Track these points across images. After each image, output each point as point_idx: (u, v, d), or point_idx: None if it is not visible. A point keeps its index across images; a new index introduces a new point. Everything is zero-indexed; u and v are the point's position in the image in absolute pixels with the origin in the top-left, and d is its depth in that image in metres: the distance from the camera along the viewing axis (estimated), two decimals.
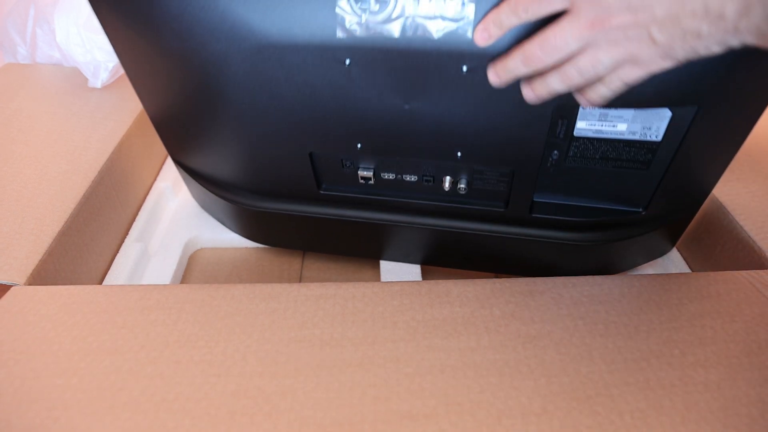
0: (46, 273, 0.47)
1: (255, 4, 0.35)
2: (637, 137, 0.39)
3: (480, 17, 0.33)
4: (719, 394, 0.35)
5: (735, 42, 0.27)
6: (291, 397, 0.34)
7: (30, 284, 0.44)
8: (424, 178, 0.46)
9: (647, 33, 0.28)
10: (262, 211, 0.52)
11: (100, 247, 0.56)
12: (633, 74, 0.31)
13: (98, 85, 0.68)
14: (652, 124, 0.38)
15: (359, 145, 0.43)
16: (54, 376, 0.36)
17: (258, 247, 0.63)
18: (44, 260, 0.46)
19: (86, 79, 0.69)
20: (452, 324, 0.40)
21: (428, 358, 0.37)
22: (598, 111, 0.38)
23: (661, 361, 0.37)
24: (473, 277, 0.46)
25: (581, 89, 0.33)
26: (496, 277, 0.54)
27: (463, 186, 0.45)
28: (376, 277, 0.59)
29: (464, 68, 0.35)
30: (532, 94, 0.34)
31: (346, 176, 0.47)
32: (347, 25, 0.35)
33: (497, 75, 0.34)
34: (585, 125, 0.39)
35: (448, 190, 0.46)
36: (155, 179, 0.69)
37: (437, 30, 0.34)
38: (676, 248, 0.59)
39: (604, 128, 0.39)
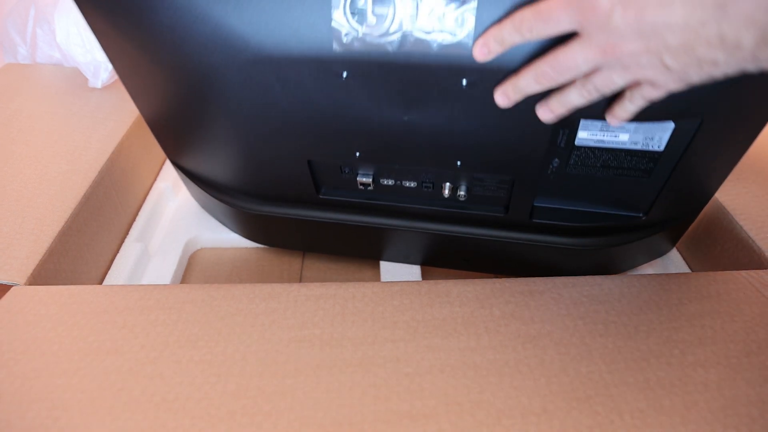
0: (46, 273, 0.47)
1: (249, 16, 0.34)
2: (639, 147, 0.39)
3: (480, 32, 0.32)
4: (719, 393, 0.35)
5: (752, 68, 0.27)
6: (291, 397, 0.34)
7: (30, 284, 0.45)
8: (424, 184, 0.45)
9: (659, 60, 0.28)
10: (261, 214, 0.52)
11: (100, 247, 0.56)
12: (653, 94, 0.31)
13: (98, 85, 0.68)
14: (654, 135, 0.38)
15: (358, 154, 0.43)
16: (54, 376, 0.36)
17: (258, 247, 0.63)
18: (44, 260, 0.46)
19: (86, 79, 0.69)
20: (452, 324, 0.40)
21: (428, 358, 0.37)
22: (600, 122, 0.38)
23: (660, 360, 0.37)
24: (473, 278, 0.46)
25: (608, 108, 0.34)
26: (496, 277, 0.54)
27: (462, 193, 0.45)
28: (376, 277, 0.59)
29: (464, 82, 0.35)
30: (549, 113, 0.34)
31: (345, 182, 0.47)
32: (344, 39, 0.34)
33: (506, 95, 0.34)
34: (586, 135, 0.39)
35: (448, 197, 0.45)
36: (155, 179, 0.69)
37: (436, 44, 0.33)
38: (676, 248, 0.59)
39: (605, 138, 0.39)
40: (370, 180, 0.45)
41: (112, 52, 0.42)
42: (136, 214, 0.63)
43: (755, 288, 0.43)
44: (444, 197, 0.46)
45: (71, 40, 0.66)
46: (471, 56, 0.33)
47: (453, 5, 0.32)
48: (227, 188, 0.52)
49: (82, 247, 0.52)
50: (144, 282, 0.57)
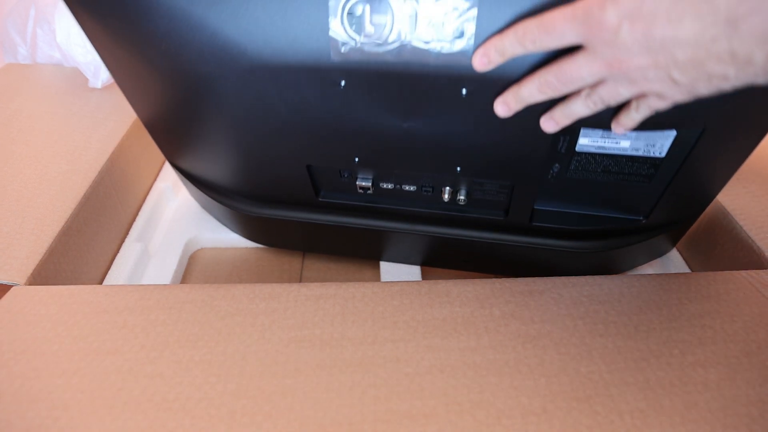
0: (46, 273, 0.47)
1: (246, 25, 0.34)
2: (640, 153, 0.39)
3: (480, 41, 0.32)
4: (719, 393, 0.35)
5: (763, 81, 0.26)
6: (291, 397, 0.35)
7: (30, 284, 0.45)
8: (423, 188, 0.45)
9: (667, 74, 0.27)
10: (260, 216, 0.52)
11: (100, 247, 0.56)
12: (659, 105, 0.31)
13: (98, 85, 0.68)
14: (656, 142, 0.38)
15: (357, 159, 0.42)
16: (54, 375, 0.36)
17: (258, 248, 0.63)
18: (44, 260, 0.46)
19: (86, 79, 0.69)
20: (452, 324, 0.40)
21: (428, 358, 0.37)
22: (600, 129, 0.38)
23: (660, 360, 0.37)
24: (473, 278, 0.46)
25: (613, 117, 0.34)
26: (496, 277, 0.54)
27: (462, 197, 0.45)
28: (376, 277, 0.59)
29: (464, 91, 0.35)
30: (554, 125, 0.34)
31: (344, 185, 0.47)
32: (341, 49, 0.33)
33: (507, 104, 0.33)
34: (587, 141, 0.38)
35: (448, 200, 0.45)
36: (155, 179, 0.69)
37: (436, 54, 0.33)
38: (676, 248, 0.59)
39: (606, 144, 0.38)
40: (370, 184, 0.45)
41: (106, 58, 0.42)
42: (136, 214, 0.63)
43: (755, 288, 0.43)
44: (444, 201, 0.46)
45: (71, 40, 0.66)
46: (471, 66, 0.32)
47: (453, 15, 0.31)
48: (226, 190, 0.52)
49: (82, 247, 0.52)
50: (144, 282, 0.57)
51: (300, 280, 0.59)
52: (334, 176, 0.46)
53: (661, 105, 0.30)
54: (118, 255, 0.58)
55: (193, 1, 0.33)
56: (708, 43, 0.25)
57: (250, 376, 0.36)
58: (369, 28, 0.32)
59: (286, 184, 0.47)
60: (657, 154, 0.39)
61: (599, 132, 0.38)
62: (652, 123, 0.33)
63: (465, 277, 0.58)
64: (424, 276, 0.57)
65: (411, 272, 0.57)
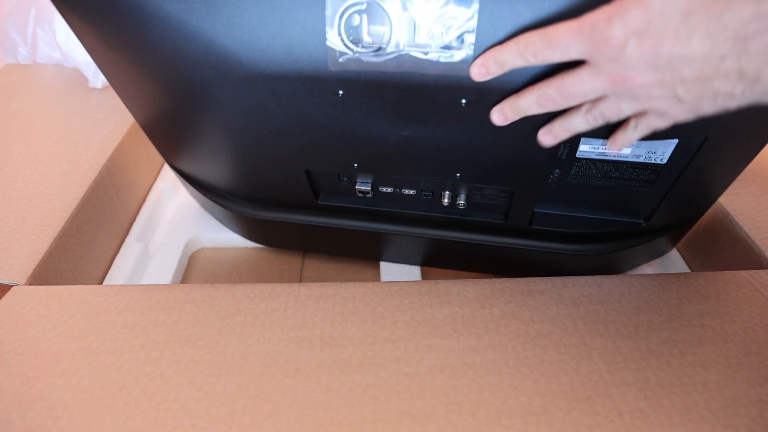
0: (46, 273, 0.47)
1: (241, 35, 0.33)
2: (641, 160, 0.39)
3: (480, 51, 0.31)
4: (718, 393, 0.35)
5: None
6: (291, 397, 0.35)
7: (30, 284, 0.45)
8: (423, 192, 0.45)
9: (672, 92, 0.27)
10: (259, 218, 0.52)
11: (100, 247, 0.56)
12: (659, 124, 0.30)
13: (98, 85, 0.68)
14: (657, 149, 0.38)
15: (356, 165, 0.42)
16: (54, 375, 0.36)
17: (258, 248, 0.63)
18: (45, 260, 0.46)
19: (87, 80, 0.69)
20: (452, 324, 0.40)
21: (428, 358, 0.37)
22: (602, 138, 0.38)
23: (660, 360, 0.37)
24: (473, 278, 0.46)
25: (611, 134, 0.34)
26: (496, 277, 0.54)
27: (462, 202, 0.45)
28: (376, 277, 0.59)
29: (463, 101, 0.34)
30: (552, 138, 0.34)
31: (343, 189, 0.47)
32: (339, 59, 0.33)
33: (504, 114, 0.33)
34: (588, 148, 0.38)
35: (447, 204, 0.45)
36: (155, 179, 0.69)
37: (434, 64, 0.32)
38: (676, 248, 0.59)
39: (607, 151, 0.38)
40: (369, 188, 0.45)
41: (101, 64, 0.41)
42: (137, 214, 0.63)
43: (755, 288, 0.43)
44: (443, 205, 0.45)
45: (72, 40, 0.66)
46: (470, 76, 0.32)
47: (452, 25, 0.31)
48: (225, 192, 0.52)
49: (82, 247, 0.52)
50: (144, 282, 0.57)
51: (300, 280, 0.59)
52: (333, 180, 0.46)
53: (661, 124, 0.30)
54: (118, 255, 0.58)
55: (188, 10, 0.33)
56: (716, 61, 0.25)
57: (250, 376, 0.36)
58: (366, 38, 0.32)
59: (284, 187, 0.47)
60: (658, 161, 0.38)
61: (600, 139, 0.38)
62: (653, 134, 0.33)
63: (465, 277, 0.58)
64: (424, 276, 0.57)
65: (411, 272, 0.57)
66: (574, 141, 0.38)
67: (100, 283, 0.55)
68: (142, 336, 0.39)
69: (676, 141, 0.37)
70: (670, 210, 0.44)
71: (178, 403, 0.34)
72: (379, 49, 0.32)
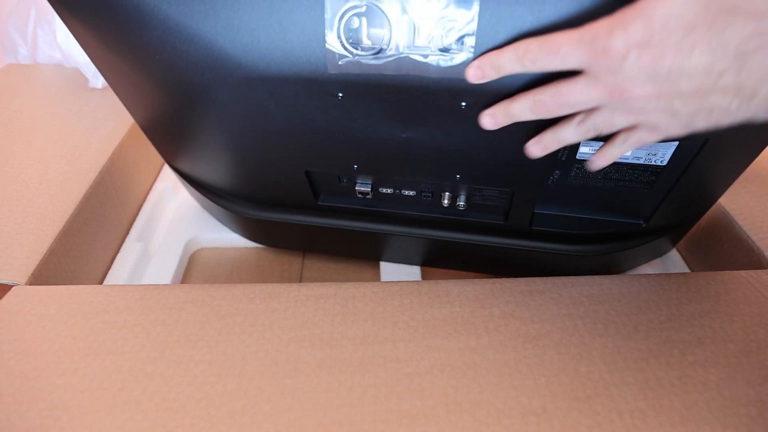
0: (46, 273, 0.47)
1: (240, 38, 0.33)
2: (641, 162, 0.39)
3: (480, 55, 0.31)
4: (718, 393, 0.35)
5: (762, 116, 0.26)
6: (291, 397, 0.35)
7: (31, 284, 0.45)
8: (423, 193, 0.45)
9: (668, 105, 0.27)
10: (258, 218, 0.52)
11: (100, 247, 0.56)
12: (647, 138, 0.30)
13: (99, 85, 0.68)
14: (657, 151, 0.38)
15: (355, 166, 0.42)
16: (55, 375, 0.36)
17: (258, 248, 0.63)
18: (45, 260, 0.46)
19: (87, 80, 0.69)
20: (452, 324, 0.40)
21: (428, 358, 0.37)
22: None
23: (660, 360, 0.37)
24: (473, 278, 0.46)
25: (598, 149, 0.33)
26: (496, 277, 0.54)
27: (462, 203, 0.45)
28: (376, 277, 0.59)
29: (463, 104, 0.34)
30: (542, 150, 0.34)
31: (343, 189, 0.47)
32: (338, 61, 0.33)
33: (495, 118, 0.33)
34: (588, 150, 0.38)
35: (447, 205, 0.45)
36: (155, 179, 0.69)
37: (434, 67, 0.32)
38: (676, 248, 0.59)
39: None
40: (369, 189, 0.45)
41: (100, 66, 0.41)
42: (137, 214, 0.63)
43: (754, 288, 0.43)
44: (443, 206, 0.45)
45: (72, 40, 0.66)
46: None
47: (452, 28, 0.31)
48: (225, 192, 0.52)
49: (82, 247, 0.52)
50: (144, 282, 0.57)
51: (300, 280, 0.59)
52: (333, 181, 0.46)
53: (652, 138, 0.30)
54: (119, 255, 0.58)
55: (187, 13, 0.33)
56: (716, 75, 0.25)
57: (250, 376, 0.36)
58: (366, 41, 0.32)
59: (284, 188, 0.47)
60: (658, 163, 0.39)
61: (600, 141, 0.38)
62: None
63: (465, 277, 0.58)
64: (424, 276, 0.57)
65: (411, 272, 0.57)
66: (574, 143, 0.38)
67: (101, 283, 0.55)
68: (142, 336, 0.39)
69: (676, 143, 0.37)
70: (670, 211, 0.44)
71: (178, 402, 0.34)
72: (379, 51, 0.32)
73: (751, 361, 0.37)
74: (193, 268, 0.61)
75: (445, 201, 0.45)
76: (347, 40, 0.32)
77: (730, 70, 0.25)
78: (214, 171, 0.49)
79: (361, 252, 0.58)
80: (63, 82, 0.70)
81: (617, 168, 0.40)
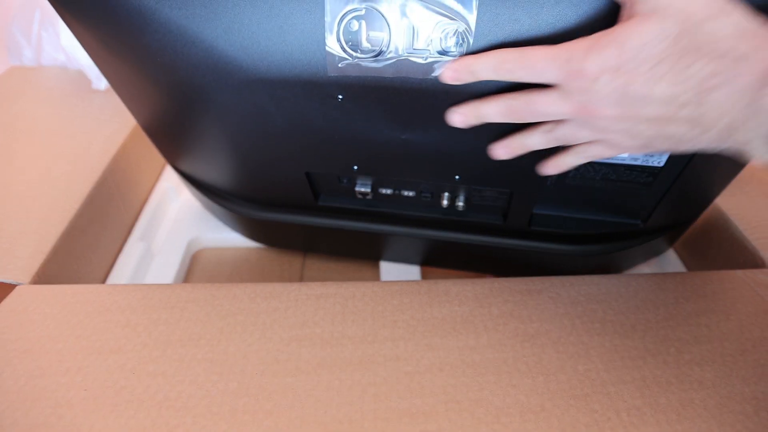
0: (50, 272, 0.47)
1: (241, 40, 0.33)
2: (639, 163, 0.39)
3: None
4: (714, 391, 0.35)
5: (711, 148, 0.28)
6: (292, 395, 0.35)
7: (34, 283, 0.45)
8: (422, 194, 0.45)
9: (631, 127, 0.29)
10: (259, 219, 0.53)
11: (103, 247, 0.56)
12: (604, 153, 0.32)
13: (102, 87, 0.69)
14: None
15: (355, 168, 0.42)
16: (58, 374, 0.36)
17: (259, 248, 0.63)
18: (48, 260, 0.47)
19: (90, 81, 0.70)
20: (451, 323, 0.40)
21: (427, 357, 0.37)
22: None
23: (657, 359, 0.37)
24: (472, 277, 0.46)
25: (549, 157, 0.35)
26: (495, 276, 0.54)
27: (461, 204, 0.45)
28: (376, 276, 0.59)
29: None
30: (508, 153, 0.35)
31: (343, 190, 0.47)
32: (338, 64, 0.33)
33: (464, 116, 0.33)
34: None
35: (447, 206, 0.45)
36: (158, 180, 0.69)
37: (434, 69, 0.33)
38: (673, 248, 0.60)
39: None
40: (369, 189, 0.45)
41: (103, 69, 0.42)
42: (139, 214, 0.64)
43: (750, 287, 0.43)
44: (442, 206, 0.46)
45: (75, 42, 0.67)
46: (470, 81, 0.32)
47: (450, 30, 0.31)
48: (226, 193, 0.53)
49: (85, 247, 0.53)
50: (147, 281, 0.57)
51: (301, 280, 0.60)
52: (333, 182, 0.46)
53: (608, 153, 0.32)
54: (121, 255, 0.59)
55: (188, 16, 0.33)
56: (677, 106, 0.27)
57: (252, 375, 0.36)
58: (365, 43, 0.32)
59: (284, 189, 0.47)
60: (656, 164, 0.39)
61: None
62: None
63: (464, 277, 0.58)
64: (424, 276, 0.57)
65: (411, 272, 0.57)
66: None
67: (104, 282, 0.56)
68: (144, 335, 0.39)
69: None
70: (667, 211, 0.44)
71: (180, 401, 0.35)
72: (378, 54, 0.32)
73: (747, 359, 0.37)
74: (195, 268, 0.61)
75: (445, 201, 0.45)
76: (347, 42, 0.32)
77: (692, 103, 0.26)
78: (215, 172, 0.49)
79: (361, 252, 0.58)
80: (66, 84, 0.70)
81: (615, 169, 0.40)
